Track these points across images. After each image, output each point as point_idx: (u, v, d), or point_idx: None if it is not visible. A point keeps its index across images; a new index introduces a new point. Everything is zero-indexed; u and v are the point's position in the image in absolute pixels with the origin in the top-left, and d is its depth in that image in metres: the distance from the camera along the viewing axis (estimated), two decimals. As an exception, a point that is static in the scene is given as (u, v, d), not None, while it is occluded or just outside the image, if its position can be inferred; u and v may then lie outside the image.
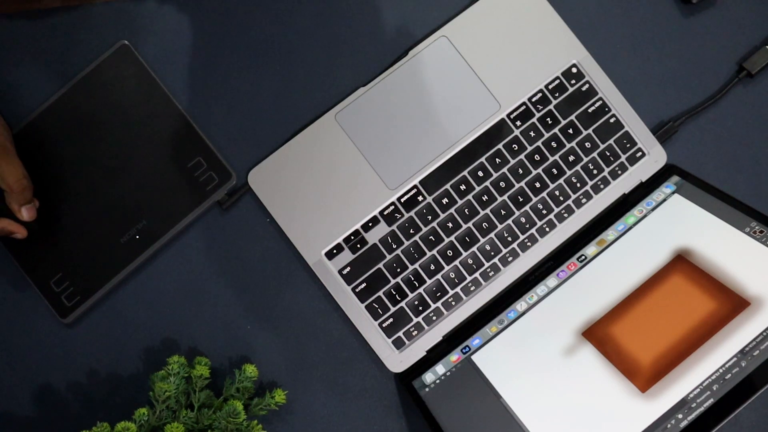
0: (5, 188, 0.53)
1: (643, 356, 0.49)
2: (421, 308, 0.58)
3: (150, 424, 0.51)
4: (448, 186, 0.59)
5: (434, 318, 0.58)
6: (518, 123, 0.60)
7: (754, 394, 0.45)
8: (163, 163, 0.59)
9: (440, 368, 0.56)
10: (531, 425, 0.50)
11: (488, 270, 0.59)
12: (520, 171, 0.59)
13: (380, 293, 0.58)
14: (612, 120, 0.60)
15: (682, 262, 0.52)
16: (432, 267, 0.59)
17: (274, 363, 0.59)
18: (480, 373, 0.54)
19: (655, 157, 0.60)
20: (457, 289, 0.59)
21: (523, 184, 0.59)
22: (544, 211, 0.59)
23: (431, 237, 0.59)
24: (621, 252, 0.56)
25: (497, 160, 0.59)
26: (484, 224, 0.59)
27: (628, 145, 0.60)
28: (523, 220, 0.59)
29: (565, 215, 0.59)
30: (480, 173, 0.59)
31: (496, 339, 0.56)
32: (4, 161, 0.52)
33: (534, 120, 0.60)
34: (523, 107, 0.60)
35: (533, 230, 0.59)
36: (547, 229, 0.59)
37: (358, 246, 0.59)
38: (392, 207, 0.59)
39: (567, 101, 0.60)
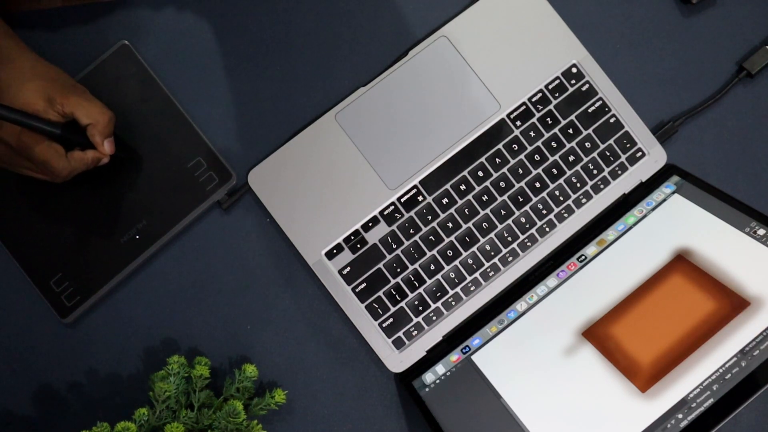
0: (90, 122, 0.53)
1: (643, 356, 0.49)
2: (421, 308, 0.58)
3: (150, 424, 0.51)
4: (448, 186, 0.59)
5: (434, 318, 0.58)
6: (518, 123, 0.60)
7: (754, 394, 0.45)
8: (163, 163, 0.59)
9: (440, 368, 0.56)
10: (531, 425, 0.50)
11: (488, 270, 0.59)
12: (520, 171, 0.59)
13: (380, 293, 0.58)
14: (612, 120, 0.60)
15: (682, 262, 0.52)
16: (432, 267, 0.59)
17: (274, 363, 0.59)
18: (480, 373, 0.54)
19: (655, 157, 0.60)
20: (457, 289, 0.59)
21: (523, 184, 0.59)
22: (544, 211, 0.59)
23: (431, 237, 0.59)
24: (621, 252, 0.56)
25: (497, 160, 0.59)
26: (484, 224, 0.59)
27: (628, 145, 0.60)
28: (523, 220, 0.59)
29: (565, 215, 0.59)
30: (480, 173, 0.59)
31: (496, 339, 0.56)
32: (84, 98, 0.53)
33: (534, 120, 0.60)
34: (523, 107, 0.60)
35: (533, 230, 0.59)
36: (547, 229, 0.59)
37: (358, 246, 0.59)
38: (392, 207, 0.59)
39: (567, 101, 0.60)
